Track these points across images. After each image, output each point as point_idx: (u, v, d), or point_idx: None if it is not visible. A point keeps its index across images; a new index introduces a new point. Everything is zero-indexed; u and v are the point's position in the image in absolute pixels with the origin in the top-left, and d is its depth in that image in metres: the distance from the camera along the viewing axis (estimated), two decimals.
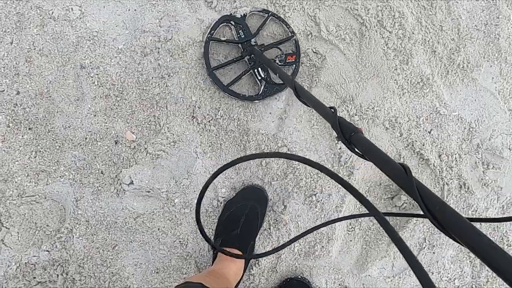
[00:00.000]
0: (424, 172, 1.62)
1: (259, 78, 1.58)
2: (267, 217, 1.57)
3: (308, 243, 1.58)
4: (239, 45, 1.60)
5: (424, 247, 1.61)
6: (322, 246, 1.58)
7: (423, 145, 1.62)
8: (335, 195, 1.59)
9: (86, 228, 1.53)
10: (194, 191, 1.56)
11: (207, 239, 0.67)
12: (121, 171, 1.54)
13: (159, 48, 1.59)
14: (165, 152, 1.55)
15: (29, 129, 1.56)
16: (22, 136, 1.55)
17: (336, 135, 0.81)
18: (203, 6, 1.63)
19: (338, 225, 1.59)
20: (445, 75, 1.67)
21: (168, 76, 1.58)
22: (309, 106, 1.05)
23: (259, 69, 1.57)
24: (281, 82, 1.56)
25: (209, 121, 1.59)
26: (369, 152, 0.71)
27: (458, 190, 1.62)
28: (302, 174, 1.59)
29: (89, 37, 1.59)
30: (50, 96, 1.57)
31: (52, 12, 1.58)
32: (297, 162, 1.58)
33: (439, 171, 1.61)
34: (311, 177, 1.59)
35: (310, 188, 1.59)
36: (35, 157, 1.55)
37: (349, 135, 0.77)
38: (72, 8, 1.59)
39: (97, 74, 1.57)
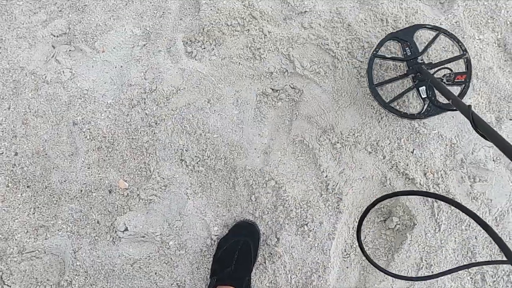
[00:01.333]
0: None
1: (423, 97, 1.54)
2: (262, 251, 1.59)
3: (304, 274, 1.58)
4: (405, 62, 1.59)
5: (422, 267, 1.60)
6: (319, 276, 1.58)
7: (407, 165, 1.65)
8: (326, 222, 1.61)
9: (85, 279, 1.56)
10: (188, 232, 1.59)
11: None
12: (116, 219, 1.59)
13: (145, 99, 1.69)
14: (157, 196, 1.61)
15: (27, 187, 1.64)
16: (21, 195, 1.63)
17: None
18: (184, 56, 1.75)
19: (333, 252, 1.60)
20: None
21: (155, 124, 1.67)
22: (487, 140, 0.92)
23: (424, 87, 1.54)
24: (447, 102, 1.48)
25: (197, 163, 1.65)
26: None
27: (448, 206, 1.63)
28: (292, 205, 1.62)
29: (80, 96, 1.70)
30: (46, 154, 1.66)
31: (45, 76, 1.71)
32: (285, 194, 1.62)
33: (426, 189, 1.63)
34: (300, 207, 1.62)
35: (301, 218, 1.62)
36: (34, 213, 1.62)
37: None
38: (63, 71, 1.72)
39: (89, 129, 1.67)
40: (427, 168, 1.67)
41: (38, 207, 1.62)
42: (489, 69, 1.76)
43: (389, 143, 1.68)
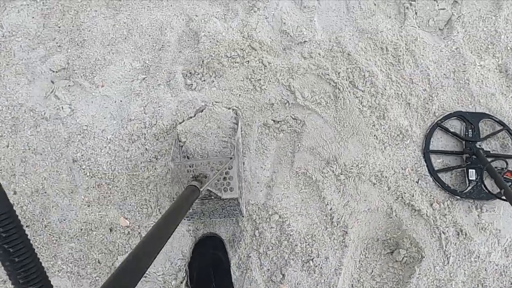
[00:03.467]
0: (418, 223, 1.61)
1: (470, 179, 1.62)
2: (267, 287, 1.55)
3: None
4: (463, 142, 1.68)
5: None
6: None
7: (413, 196, 1.62)
8: (332, 257, 1.58)
9: None
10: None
11: None
12: (117, 258, 1.56)
13: (145, 134, 1.67)
14: None
15: (27, 226, 1.61)
16: None
17: None
18: (184, 89, 1.74)
19: (340, 286, 1.56)
20: (423, 125, 1.72)
21: (156, 159, 1.65)
22: None
23: (474, 170, 1.62)
24: (491, 192, 1.56)
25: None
26: None
27: (456, 237, 1.60)
28: (297, 239, 1.59)
29: (80, 132, 1.68)
30: (45, 192, 1.63)
31: (44, 113, 1.70)
32: (290, 228, 1.59)
33: (433, 220, 1.60)
34: (305, 242, 1.59)
35: (306, 253, 1.58)
36: None
37: None
38: (62, 107, 1.70)
39: (89, 166, 1.65)
40: (433, 198, 1.64)
41: (38, 247, 1.59)
42: (492, 95, 1.75)
43: (394, 174, 1.65)
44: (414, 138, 1.69)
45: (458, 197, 1.62)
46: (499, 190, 1.44)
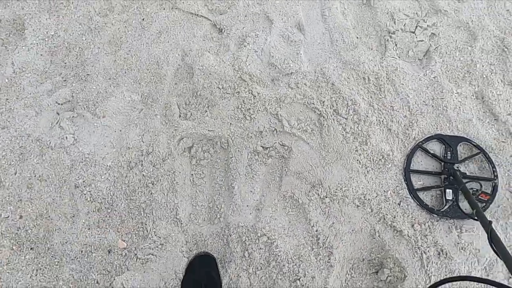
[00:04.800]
0: (400, 243, 1.68)
1: (447, 198, 1.71)
2: None
3: None
4: (442, 163, 1.78)
5: None
6: None
7: (395, 217, 1.71)
8: (318, 277, 1.65)
9: None
10: None
11: None
12: (114, 279, 1.65)
13: (142, 161, 1.79)
14: (154, 255, 1.67)
15: (31, 249, 1.71)
16: (25, 257, 1.70)
17: None
18: (178, 119, 1.87)
19: None
20: (403, 149, 1.82)
21: (152, 184, 1.76)
22: (500, 258, 1.03)
23: (451, 190, 1.72)
24: (465, 212, 1.66)
25: (192, 221, 1.72)
26: None
27: (437, 257, 1.67)
28: (284, 260, 1.67)
29: (82, 159, 1.81)
30: (49, 216, 1.74)
31: (50, 142, 1.83)
32: (277, 249, 1.67)
33: (415, 241, 1.68)
34: (293, 262, 1.67)
35: (293, 273, 1.66)
36: (36, 275, 1.68)
37: None
38: (66, 137, 1.84)
39: (90, 191, 1.76)
40: (414, 219, 1.72)
41: (41, 268, 1.69)
42: (469, 120, 1.85)
43: (376, 196, 1.74)
44: (396, 162, 1.79)
45: (436, 215, 1.71)
46: (472, 211, 1.53)
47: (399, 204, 1.74)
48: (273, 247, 1.68)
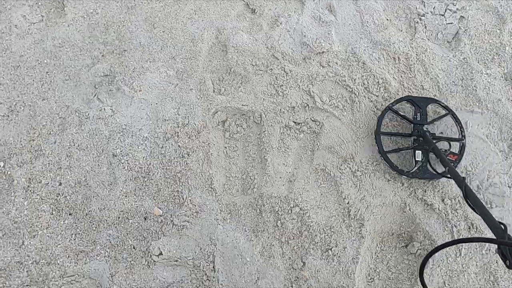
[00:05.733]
0: (431, 217, 1.71)
1: (416, 159, 1.72)
2: (288, 275, 1.66)
3: None
4: (412, 124, 1.79)
5: None
6: None
7: (425, 191, 1.74)
8: (350, 247, 1.69)
9: None
10: (220, 256, 1.68)
11: None
12: (151, 244, 1.70)
13: (178, 132, 1.84)
14: (189, 222, 1.72)
15: (70, 214, 1.77)
16: (64, 221, 1.76)
17: (502, 260, 0.79)
18: (212, 93, 1.92)
19: (357, 276, 1.66)
20: (434, 127, 1.85)
21: (188, 155, 1.81)
22: (475, 212, 1.07)
23: (420, 151, 1.73)
24: (436, 172, 1.67)
25: (226, 191, 1.77)
26: None
27: (467, 231, 1.70)
28: (316, 230, 1.71)
29: (119, 130, 1.87)
30: (87, 184, 1.80)
31: (88, 114, 1.89)
32: (310, 220, 1.71)
33: (445, 215, 1.71)
34: (325, 232, 1.71)
35: (325, 243, 1.70)
36: (75, 239, 1.74)
37: None
38: (104, 109, 1.90)
39: (127, 160, 1.82)
40: (444, 194, 1.75)
41: (79, 233, 1.74)
42: (498, 100, 1.88)
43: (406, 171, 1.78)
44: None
45: (405, 177, 1.72)
46: (444, 170, 1.52)
47: (429, 180, 1.77)
48: (305, 218, 1.72)
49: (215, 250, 1.68)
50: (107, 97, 1.92)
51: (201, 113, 1.87)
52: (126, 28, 2.06)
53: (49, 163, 1.83)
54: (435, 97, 1.84)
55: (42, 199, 1.78)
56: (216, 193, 1.76)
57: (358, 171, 1.77)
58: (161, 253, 1.67)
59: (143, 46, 2.02)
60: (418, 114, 1.78)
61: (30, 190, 1.79)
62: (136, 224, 1.75)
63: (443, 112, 1.82)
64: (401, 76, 1.93)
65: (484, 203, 1.00)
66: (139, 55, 2.00)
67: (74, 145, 1.85)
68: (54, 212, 1.77)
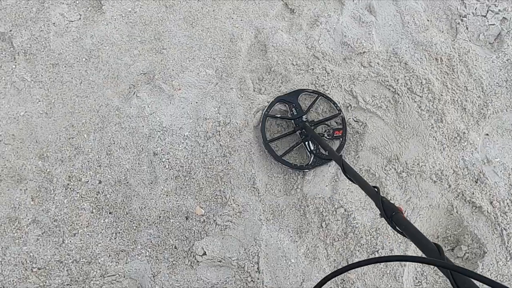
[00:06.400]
0: (479, 219, 1.67)
1: (309, 150, 1.76)
2: (334, 278, 1.62)
3: None
4: (292, 121, 1.82)
5: None
6: None
7: (473, 193, 1.70)
8: (397, 250, 1.65)
9: None
10: (266, 255, 1.65)
11: None
12: (193, 244, 1.67)
13: (219, 131, 1.82)
14: (232, 222, 1.69)
15: (110, 213, 1.75)
16: (104, 220, 1.73)
17: (380, 213, 0.91)
18: (253, 92, 1.90)
19: (405, 279, 1.62)
20: (479, 128, 1.82)
21: (230, 154, 1.79)
22: (354, 183, 1.16)
23: (309, 142, 1.76)
24: (327, 157, 1.72)
25: (269, 191, 1.74)
26: (407, 231, 0.80)
27: None
28: (362, 232, 1.67)
29: (159, 129, 1.85)
30: (127, 182, 1.78)
31: (128, 112, 1.88)
32: (355, 221, 1.68)
33: (494, 217, 1.67)
34: (370, 234, 1.67)
35: (371, 245, 1.66)
36: (115, 238, 1.71)
37: (391, 214, 0.87)
38: (144, 107, 1.88)
39: (168, 159, 1.80)
40: (492, 197, 1.71)
41: (119, 232, 1.72)
42: None
43: (453, 173, 1.74)
44: (471, 140, 1.79)
45: (307, 170, 1.73)
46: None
47: (476, 182, 1.73)
48: (350, 219, 1.69)
49: (260, 250, 1.65)
50: (147, 96, 1.91)
51: (243, 112, 1.85)
52: (165, 27, 2.05)
53: (88, 161, 1.81)
54: (300, 88, 1.86)
55: (82, 197, 1.76)
56: (259, 193, 1.74)
57: (403, 172, 1.74)
58: (205, 253, 1.64)
59: (182, 45, 2.01)
60: (293, 109, 1.81)
61: (70, 188, 1.77)
62: (178, 223, 1.72)
63: (314, 96, 1.85)
64: (444, 77, 1.91)
65: (361, 176, 1.15)
66: (178, 53, 1.99)
67: (113, 143, 1.84)
68: (94, 211, 1.75)
